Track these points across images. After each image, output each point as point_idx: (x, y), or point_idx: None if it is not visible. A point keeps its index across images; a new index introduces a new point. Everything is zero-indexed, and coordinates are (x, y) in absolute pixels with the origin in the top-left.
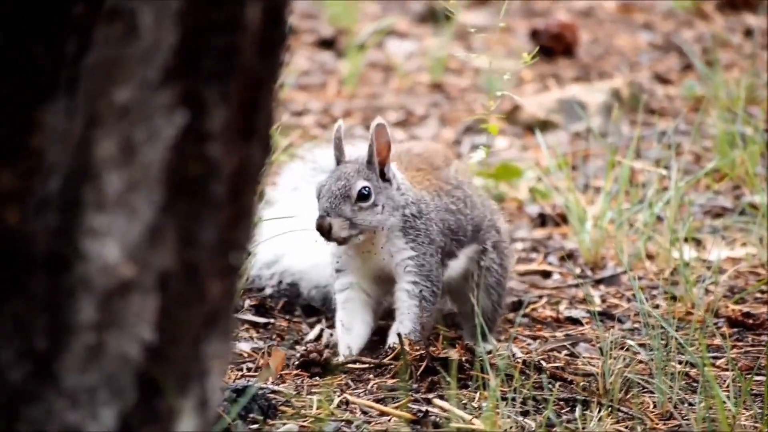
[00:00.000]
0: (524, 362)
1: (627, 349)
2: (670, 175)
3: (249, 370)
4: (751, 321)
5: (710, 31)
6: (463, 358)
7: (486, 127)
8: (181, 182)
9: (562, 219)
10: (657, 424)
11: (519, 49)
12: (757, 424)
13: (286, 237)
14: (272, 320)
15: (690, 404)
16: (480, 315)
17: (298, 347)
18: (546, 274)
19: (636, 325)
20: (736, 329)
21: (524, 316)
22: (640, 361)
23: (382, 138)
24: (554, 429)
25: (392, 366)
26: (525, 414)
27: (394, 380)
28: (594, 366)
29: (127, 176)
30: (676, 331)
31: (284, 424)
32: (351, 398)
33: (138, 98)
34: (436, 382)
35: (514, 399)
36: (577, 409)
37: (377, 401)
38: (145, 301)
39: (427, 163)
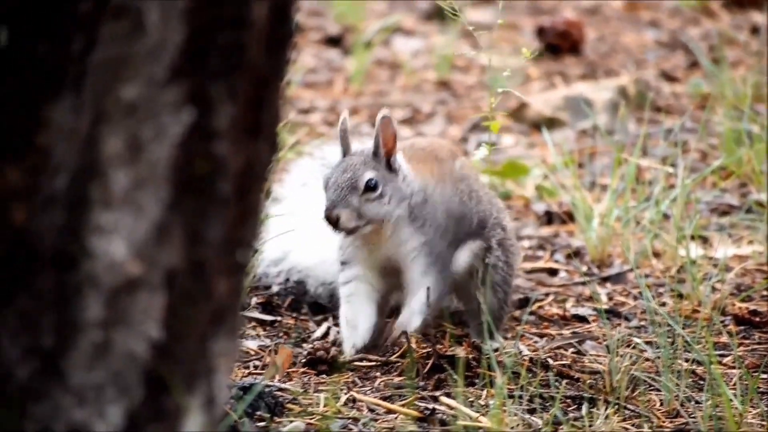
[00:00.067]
0: (531, 360)
1: (634, 347)
2: (676, 173)
3: (256, 367)
4: (757, 319)
5: (716, 29)
6: (470, 356)
7: (488, 124)
8: (187, 180)
9: (568, 216)
10: (663, 422)
11: (525, 46)
12: (764, 422)
13: (293, 234)
14: (279, 318)
15: (697, 402)
16: (487, 313)
17: (305, 345)
18: (553, 272)
19: (643, 323)
20: (742, 327)
21: (531, 313)
22: (647, 359)
23: (388, 129)
24: (561, 427)
25: (399, 363)
26: (532, 412)
27: (401, 378)
28: (601, 364)
29: (134, 174)
30: (683, 328)
31: (291, 421)
32: (358, 396)
33: (145, 96)
34: (443, 379)
35: (520, 397)
36: (583, 406)
37: (384, 399)
38: (152, 299)
39: (432, 156)
